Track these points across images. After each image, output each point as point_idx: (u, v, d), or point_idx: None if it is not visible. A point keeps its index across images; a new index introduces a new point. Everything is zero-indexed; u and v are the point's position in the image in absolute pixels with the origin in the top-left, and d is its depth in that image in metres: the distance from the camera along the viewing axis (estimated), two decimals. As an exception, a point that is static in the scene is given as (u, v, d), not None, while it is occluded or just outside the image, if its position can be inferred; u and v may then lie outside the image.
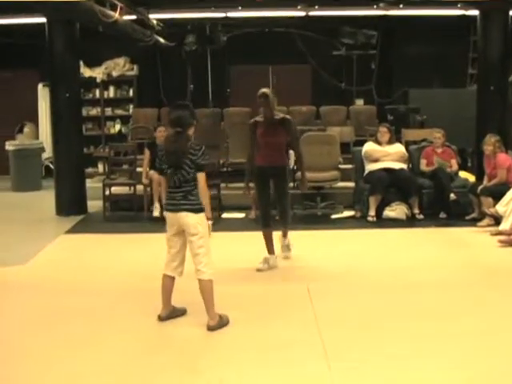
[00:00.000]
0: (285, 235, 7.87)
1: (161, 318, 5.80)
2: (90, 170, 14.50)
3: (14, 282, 7.20)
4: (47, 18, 10.43)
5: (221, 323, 5.62)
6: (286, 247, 7.92)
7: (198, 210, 5.59)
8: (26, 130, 14.67)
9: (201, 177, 5.59)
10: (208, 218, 5.66)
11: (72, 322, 5.87)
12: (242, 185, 10.80)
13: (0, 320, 6.02)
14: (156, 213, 10.33)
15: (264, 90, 7.36)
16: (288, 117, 7.63)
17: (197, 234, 5.55)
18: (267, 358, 5.01)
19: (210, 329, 5.56)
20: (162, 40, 13.33)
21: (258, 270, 7.34)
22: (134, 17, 11.19)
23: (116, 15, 9.50)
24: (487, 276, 7.27)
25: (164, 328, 5.73)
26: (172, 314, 5.86)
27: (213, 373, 4.74)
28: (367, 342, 5.30)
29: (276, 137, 7.37)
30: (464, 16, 12.39)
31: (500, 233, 8.83)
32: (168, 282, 5.81)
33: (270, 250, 7.52)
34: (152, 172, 10.39)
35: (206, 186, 5.66)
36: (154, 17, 12.06)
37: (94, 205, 11.17)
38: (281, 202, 7.64)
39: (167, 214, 5.73)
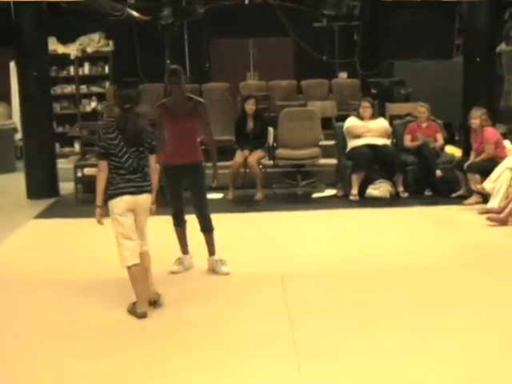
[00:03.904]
0: (212, 252, 6.58)
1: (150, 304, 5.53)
2: (66, 149, 14.14)
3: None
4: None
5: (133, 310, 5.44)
6: (218, 263, 6.57)
7: (151, 190, 5.60)
8: (-1, 109, 14.20)
9: (153, 159, 5.57)
10: (152, 202, 5.59)
11: (38, 316, 5.54)
12: (220, 163, 10.55)
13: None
14: None
15: (175, 66, 6.46)
16: (202, 100, 6.66)
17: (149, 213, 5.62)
18: (234, 356, 4.63)
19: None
20: (135, 14, 12.84)
21: (173, 273, 6.51)
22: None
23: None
24: (478, 257, 6.94)
25: (129, 319, 5.34)
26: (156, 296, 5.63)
27: (178, 375, 4.38)
28: (344, 337, 4.88)
29: (189, 123, 6.32)
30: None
31: (488, 211, 8.46)
32: (142, 270, 5.48)
33: (184, 249, 6.62)
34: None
35: (156, 169, 5.69)
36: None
37: (68, 186, 10.72)
38: (198, 204, 6.46)
39: (125, 198, 5.36)
